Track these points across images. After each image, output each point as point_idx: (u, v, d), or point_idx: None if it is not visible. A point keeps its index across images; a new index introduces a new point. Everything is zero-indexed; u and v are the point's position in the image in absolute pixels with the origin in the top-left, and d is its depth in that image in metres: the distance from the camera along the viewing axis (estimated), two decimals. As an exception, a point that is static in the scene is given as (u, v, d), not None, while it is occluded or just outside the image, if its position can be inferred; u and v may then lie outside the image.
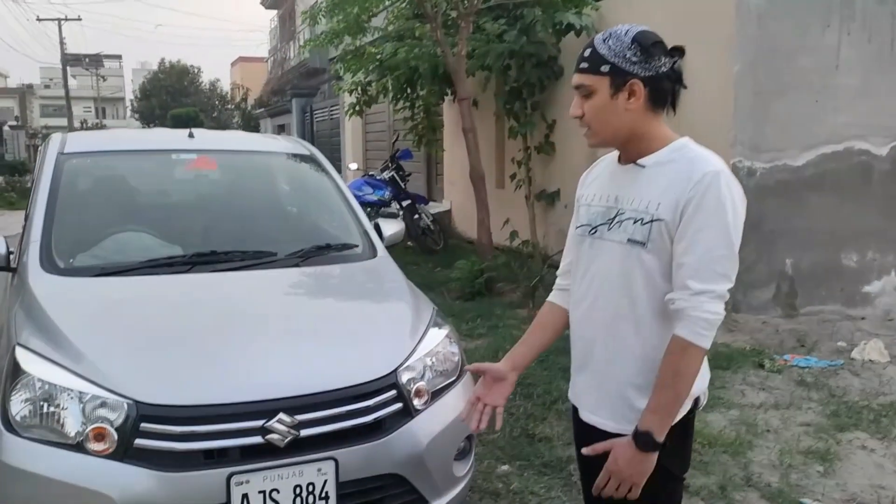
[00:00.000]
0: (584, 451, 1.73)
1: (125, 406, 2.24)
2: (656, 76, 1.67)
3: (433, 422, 2.62)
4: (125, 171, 3.60)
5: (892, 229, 6.22)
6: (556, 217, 8.44)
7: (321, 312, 2.89)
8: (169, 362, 2.41)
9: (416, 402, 2.61)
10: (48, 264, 2.89)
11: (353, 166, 11.91)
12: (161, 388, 2.30)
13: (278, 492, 2.32)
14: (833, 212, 6.04)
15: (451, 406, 2.71)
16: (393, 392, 2.55)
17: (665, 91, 1.70)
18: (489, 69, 7.84)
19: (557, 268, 2.06)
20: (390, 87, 9.65)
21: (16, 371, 2.32)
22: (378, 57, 9.03)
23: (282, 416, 2.32)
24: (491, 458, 3.62)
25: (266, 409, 2.33)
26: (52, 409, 2.25)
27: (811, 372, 4.79)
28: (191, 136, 3.79)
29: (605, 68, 1.67)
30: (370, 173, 10.32)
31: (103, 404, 2.25)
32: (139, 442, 2.22)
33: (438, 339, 2.79)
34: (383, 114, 14.34)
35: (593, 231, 1.80)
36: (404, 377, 2.60)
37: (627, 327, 1.72)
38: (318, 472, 2.36)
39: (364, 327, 2.80)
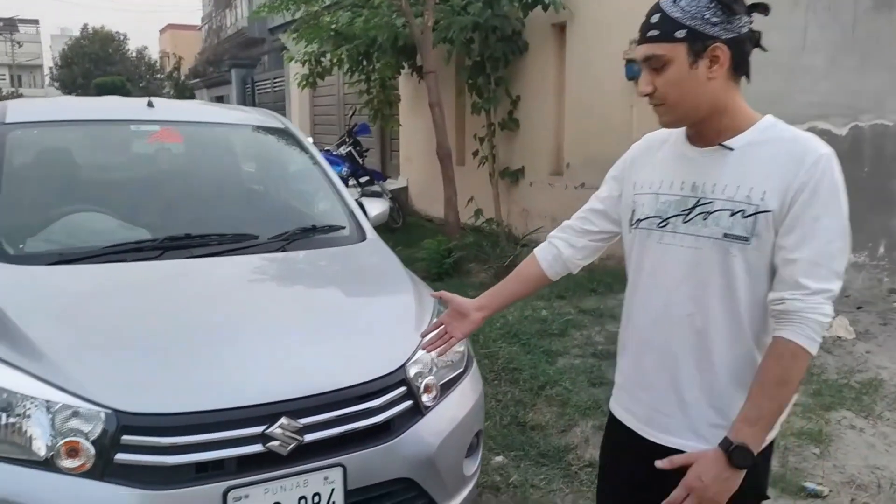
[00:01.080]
0: (660, 464, 1.51)
1: (102, 416, 1.94)
2: (739, 38, 1.46)
3: (443, 420, 2.40)
4: (77, 144, 3.20)
5: (853, 207, 6.26)
6: (521, 195, 8.27)
7: (317, 303, 2.62)
8: (150, 364, 2.10)
9: (426, 399, 2.38)
10: (-4, 251, 2.52)
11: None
12: (143, 394, 2.00)
13: (281, 505, 2.06)
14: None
15: (461, 402, 2.51)
16: (402, 389, 2.32)
17: (747, 55, 1.49)
18: (451, 42, 7.56)
19: (530, 248, 1.87)
20: (345, 59, 9.25)
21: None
22: (333, 26, 8.62)
23: (284, 420, 2.06)
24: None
25: (266, 413, 2.06)
26: (12, 420, 1.93)
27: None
28: (150, 105, 3.40)
29: (680, 33, 1.44)
30: (326, 149, 9.91)
31: (75, 414, 1.94)
32: (120, 457, 1.92)
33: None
34: (333, 87, 13.86)
35: (663, 224, 1.58)
36: (412, 372, 2.37)
37: (721, 334, 1.51)
38: (325, 481, 2.12)
39: (366, 319, 2.54)
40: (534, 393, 3.98)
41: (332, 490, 2.12)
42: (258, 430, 2.04)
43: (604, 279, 5.87)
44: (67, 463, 1.91)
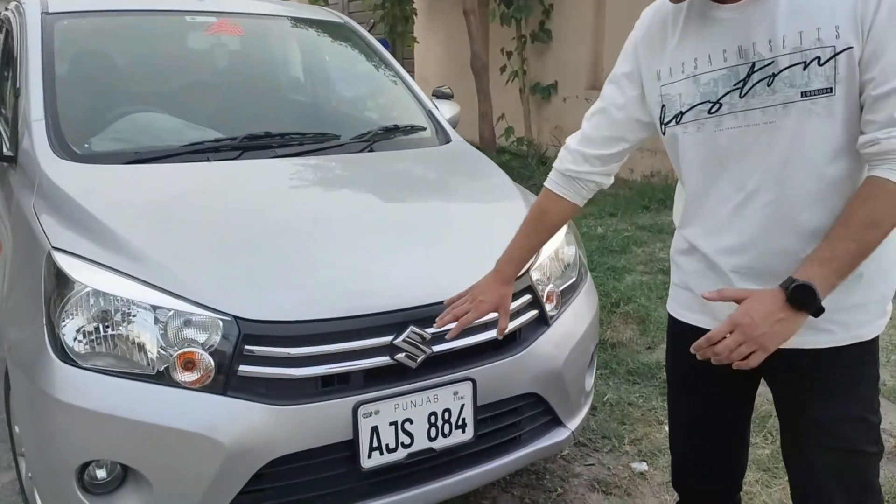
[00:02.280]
0: (708, 294, 1.31)
1: (220, 324, 1.72)
2: None
3: (567, 331, 2.20)
4: (128, 35, 2.86)
5: None
6: (553, 112, 7.92)
7: (427, 207, 2.37)
8: (268, 269, 1.87)
9: (549, 308, 2.17)
10: (61, 150, 2.24)
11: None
12: (265, 300, 1.78)
13: (412, 422, 1.88)
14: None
15: (581, 312, 2.31)
16: (528, 297, 2.11)
17: None
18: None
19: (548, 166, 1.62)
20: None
21: (62, 283, 1.75)
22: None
23: (413, 329, 1.85)
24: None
25: (393, 321, 1.85)
26: (120, 329, 1.71)
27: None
28: (202, -6, 3.06)
29: None
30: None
31: (190, 322, 1.72)
32: (244, 369, 1.71)
33: (560, 237, 2.33)
34: (336, 5, 13.22)
35: (715, 108, 1.32)
36: (535, 278, 2.15)
37: (814, 212, 1.28)
38: (455, 397, 1.93)
39: (480, 224, 2.30)
40: (608, 311, 3.80)
41: (462, 406, 1.93)
42: (386, 339, 1.83)
43: (655, 195, 5.63)
44: (185, 376, 1.70)
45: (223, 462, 1.66)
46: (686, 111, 1.36)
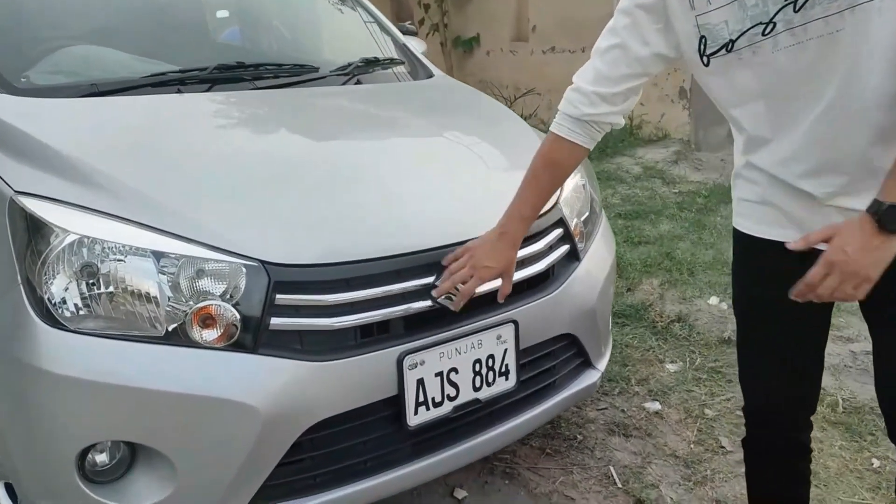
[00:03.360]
0: (793, 245, 1.22)
1: (244, 271, 1.45)
2: None
3: (596, 267, 2.05)
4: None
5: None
6: (477, 66, 7.73)
7: (445, 140, 2.12)
8: (290, 207, 1.60)
9: (577, 243, 2.02)
10: (-2, 83, 1.85)
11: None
12: (295, 241, 1.52)
13: (457, 372, 1.68)
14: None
15: (606, 247, 2.17)
16: (560, 230, 1.94)
17: None
18: None
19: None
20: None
21: (38, 232, 1.42)
22: None
23: (455, 268, 1.64)
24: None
25: (434, 260, 1.63)
26: (118, 284, 1.41)
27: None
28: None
29: None
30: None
31: (204, 270, 1.44)
32: (276, 322, 1.45)
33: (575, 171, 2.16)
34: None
35: (769, 29, 1.20)
36: (566, 211, 1.98)
37: (891, 113, 1.17)
38: (498, 341, 1.74)
39: (499, 156, 2.10)
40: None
41: (505, 351, 1.75)
42: (427, 280, 1.61)
43: (609, 141, 5.57)
44: (205, 334, 1.42)
45: (260, 431, 1.41)
46: (737, 38, 1.22)
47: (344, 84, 2.32)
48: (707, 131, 5.79)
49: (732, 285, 1.52)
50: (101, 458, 1.43)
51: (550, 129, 1.49)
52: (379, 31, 2.78)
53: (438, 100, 2.45)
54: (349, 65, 2.39)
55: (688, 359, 2.76)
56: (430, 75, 2.63)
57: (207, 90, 2.07)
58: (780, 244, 1.33)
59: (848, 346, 2.80)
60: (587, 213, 2.16)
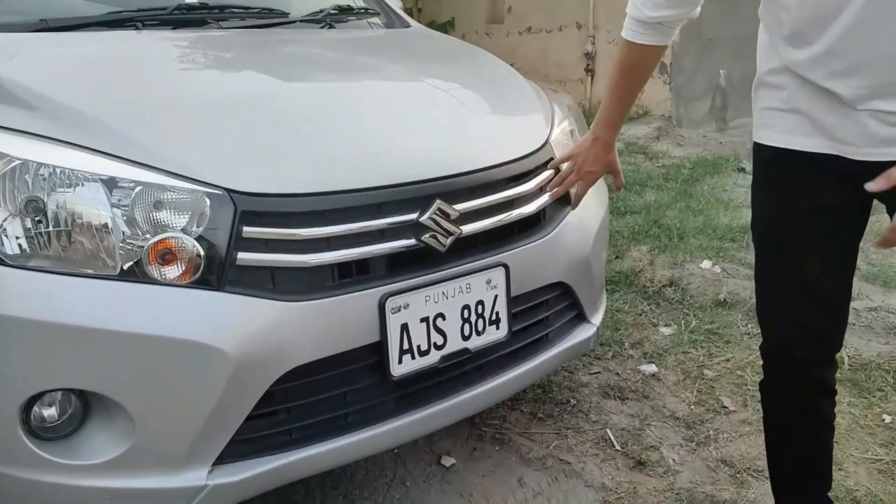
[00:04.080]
0: (871, 185, 1.12)
1: (207, 201, 1.30)
2: None
3: (590, 213, 1.93)
4: None
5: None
6: (451, 49, 7.61)
7: (419, 80, 1.96)
8: (260, 134, 1.45)
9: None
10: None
11: None
12: (263, 170, 1.37)
13: (444, 318, 1.54)
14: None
15: (599, 196, 2.05)
16: (550, 172, 1.81)
17: None
18: None
19: None
20: None
21: (-25, 160, 1.26)
22: None
23: (440, 204, 1.51)
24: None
25: (417, 195, 1.50)
26: (65, 216, 1.25)
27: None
28: None
29: None
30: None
31: (162, 200, 1.29)
32: (244, 257, 1.31)
33: (564, 116, 2.04)
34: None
35: None
36: (555, 151, 1.86)
37: None
38: (488, 286, 1.61)
39: (484, 94, 1.97)
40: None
41: (496, 298, 1.62)
42: (411, 217, 1.48)
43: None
44: (165, 271, 1.27)
45: (228, 377, 1.26)
46: None
47: (319, 30, 2.17)
48: (688, 107, 5.73)
49: (753, 208, 1.41)
50: (50, 412, 1.27)
51: (622, 35, 1.44)
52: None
53: (417, 46, 2.32)
54: (321, 11, 2.24)
55: (682, 321, 2.65)
56: (407, 26, 2.49)
57: (171, 30, 1.92)
58: (808, 155, 1.23)
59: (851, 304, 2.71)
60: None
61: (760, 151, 1.34)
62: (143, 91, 1.52)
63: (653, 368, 2.38)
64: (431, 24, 7.56)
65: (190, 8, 2.01)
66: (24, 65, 1.53)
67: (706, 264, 3.04)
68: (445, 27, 7.53)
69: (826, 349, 1.39)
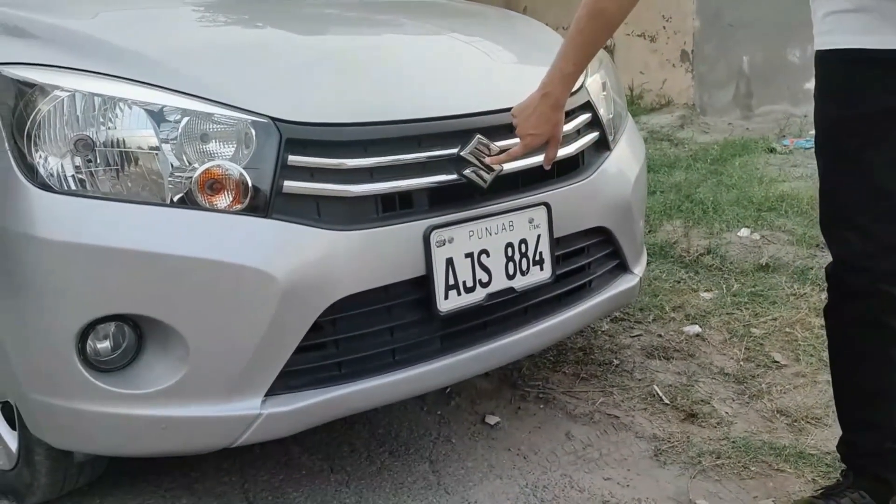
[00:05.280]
0: None
1: (252, 129, 1.31)
2: None
3: (628, 158, 1.92)
4: None
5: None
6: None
7: (458, 29, 1.96)
8: (304, 64, 1.47)
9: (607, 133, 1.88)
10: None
11: None
12: (309, 98, 1.38)
13: (488, 255, 1.53)
14: (780, 1, 5.81)
15: (635, 141, 2.04)
16: (588, 115, 1.81)
17: None
18: None
19: None
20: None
21: (25, 96, 1.27)
22: None
23: (480, 138, 1.50)
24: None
25: (457, 128, 1.50)
26: (115, 147, 1.26)
27: (818, 152, 4.54)
28: None
29: None
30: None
31: (209, 130, 1.30)
32: (290, 185, 1.31)
33: (596, 69, 2.03)
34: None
35: None
36: (592, 94, 1.85)
37: None
38: (531, 225, 1.60)
39: (522, 42, 1.99)
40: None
41: (539, 237, 1.61)
42: (452, 151, 1.48)
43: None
44: (213, 200, 1.28)
45: (279, 303, 1.26)
46: None
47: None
48: (712, 95, 5.69)
49: (816, 118, 1.36)
50: (105, 345, 1.28)
51: None
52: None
53: (452, 7, 2.33)
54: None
55: (724, 286, 2.60)
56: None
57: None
58: (878, 54, 1.20)
59: None
60: (612, 114, 2.03)
61: (825, 59, 1.31)
62: (184, 30, 1.56)
63: (696, 329, 2.33)
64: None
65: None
66: (62, 8, 1.56)
67: (744, 232, 3.00)
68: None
69: None
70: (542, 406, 2.01)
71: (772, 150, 4.50)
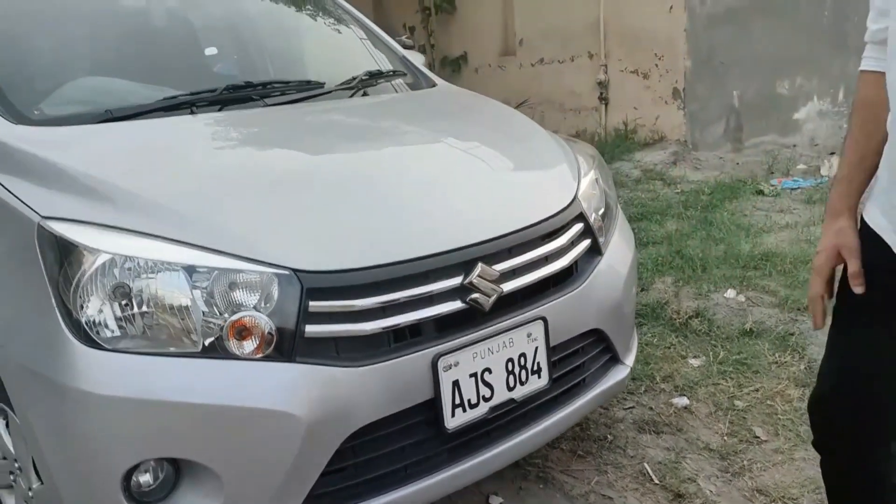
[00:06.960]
0: None
1: (276, 280, 1.45)
2: None
3: (618, 258, 2.05)
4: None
5: (815, 53, 6.29)
6: (466, 84, 7.75)
7: (455, 144, 2.11)
8: (316, 215, 1.61)
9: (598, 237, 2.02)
10: (11, 114, 1.85)
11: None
12: (324, 248, 1.52)
13: (490, 372, 1.67)
14: (770, 38, 5.95)
15: (625, 240, 2.17)
16: (581, 224, 1.94)
17: None
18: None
19: None
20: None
21: (69, 255, 1.41)
22: None
23: (482, 266, 1.64)
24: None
25: (461, 260, 1.64)
26: (151, 301, 1.40)
27: (805, 191, 4.69)
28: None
29: None
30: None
31: (237, 282, 1.44)
32: (311, 329, 1.45)
33: (589, 167, 2.17)
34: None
35: None
36: (584, 205, 1.99)
37: None
38: (529, 339, 1.74)
39: (512, 155, 2.12)
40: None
41: (536, 349, 1.75)
42: (456, 281, 1.61)
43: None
44: (242, 346, 1.42)
45: (303, 439, 1.40)
46: None
47: (351, 97, 2.33)
48: (703, 130, 5.83)
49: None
50: (146, 478, 1.42)
51: (859, 70, 1.33)
52: (382, 45, 2.81)
53: (446, 106, 2.48)
54: (353, 78, 2.40)
55: (710, 353, 2.75)
56: (433, 84, 2.65)
57: (219, 111, 2.09)
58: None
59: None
60: (603, 209, 2.17)
61: (869, 228, 1.28)
62: (206, 177, 1.69)
63: (685, 401, 2.48)
64: (444, 59, 7.77)
65: (236, 87, 2.17)
66: (97, 159, 1.69)
67: (730, 293, 3.14)
68: (459, 62, 7.72)
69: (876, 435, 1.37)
70: (541, 486, 2.15)
71: (760, 192, 4.65)
